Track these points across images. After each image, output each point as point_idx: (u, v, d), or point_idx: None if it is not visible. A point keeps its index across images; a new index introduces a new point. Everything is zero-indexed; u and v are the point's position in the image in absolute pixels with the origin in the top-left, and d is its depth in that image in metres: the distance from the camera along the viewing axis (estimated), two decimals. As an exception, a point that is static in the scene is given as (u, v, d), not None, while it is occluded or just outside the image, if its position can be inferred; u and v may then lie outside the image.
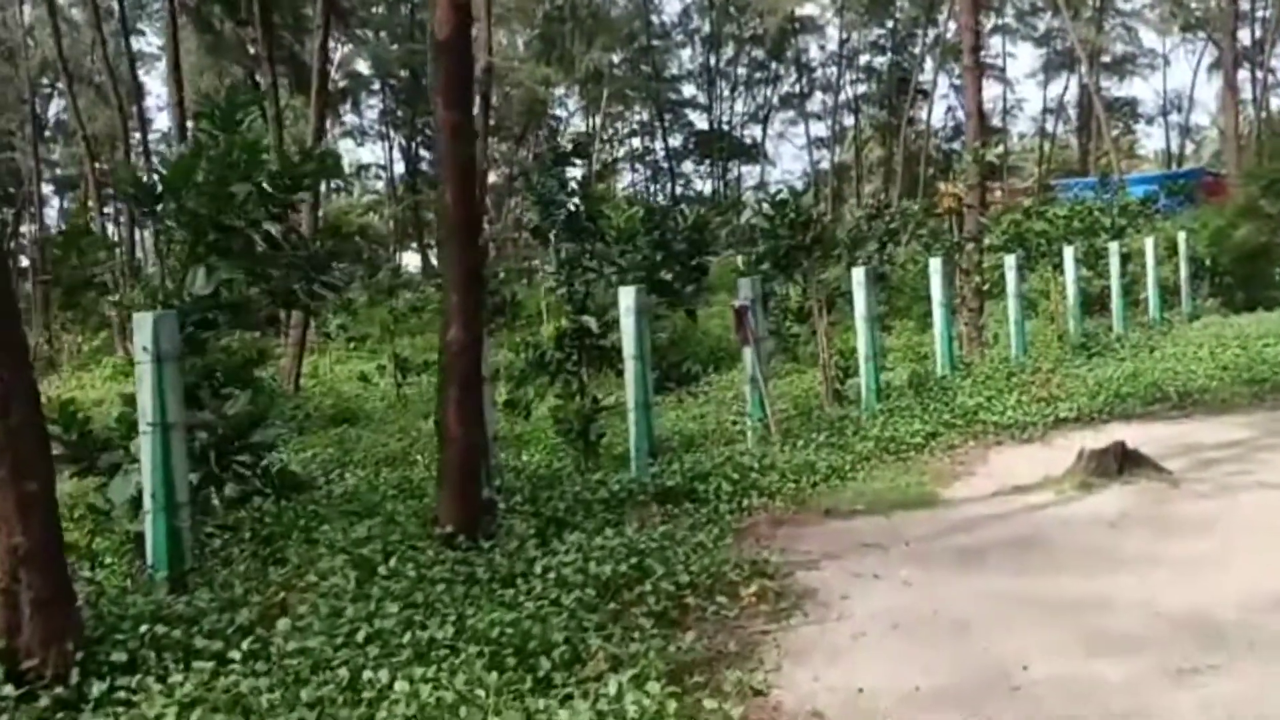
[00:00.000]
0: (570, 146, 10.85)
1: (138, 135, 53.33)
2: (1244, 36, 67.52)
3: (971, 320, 18.23)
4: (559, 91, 75.66)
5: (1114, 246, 21.18)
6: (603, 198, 10.64)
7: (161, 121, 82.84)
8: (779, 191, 14.29)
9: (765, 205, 14.57)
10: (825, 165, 79.94)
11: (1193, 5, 71.68)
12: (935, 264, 15.08)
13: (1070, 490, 9.39)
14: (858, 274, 13.20)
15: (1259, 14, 61.80)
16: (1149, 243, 22.87)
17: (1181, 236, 25.18)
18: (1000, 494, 9.66)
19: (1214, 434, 11.71)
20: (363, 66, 78.62)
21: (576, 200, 10.56)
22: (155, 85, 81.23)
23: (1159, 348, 18.11)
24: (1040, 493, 9.48)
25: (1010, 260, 16.77)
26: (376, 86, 78.47)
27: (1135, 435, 11.74)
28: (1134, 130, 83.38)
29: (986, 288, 18.49)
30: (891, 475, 10.45)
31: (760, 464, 9.85)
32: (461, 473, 7.09)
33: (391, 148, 78.49)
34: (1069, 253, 18.93)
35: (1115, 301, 20.76)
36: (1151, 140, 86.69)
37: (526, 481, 8.85)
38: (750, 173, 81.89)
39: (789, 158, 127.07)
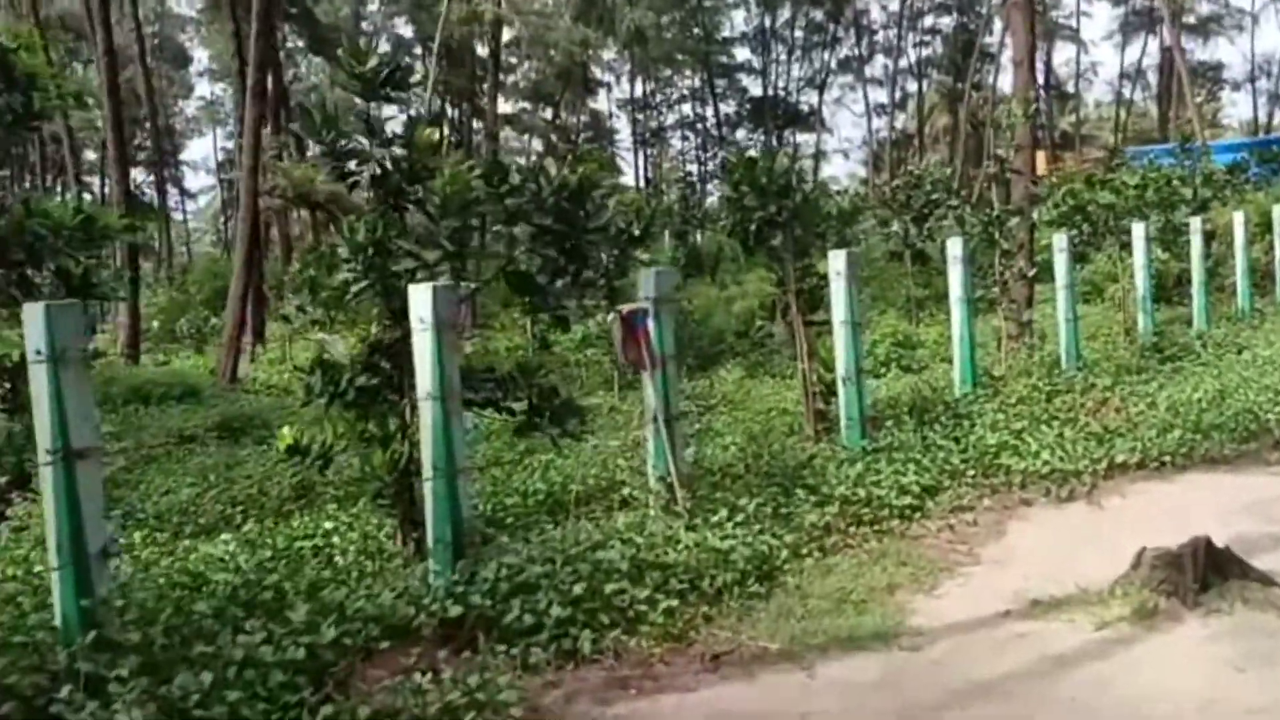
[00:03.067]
0: (381, 69, 7.18)
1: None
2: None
3: (1013, 314, 14.50)
4: (608, 55, 72.31)
5: (1195, 223, 17.24)
6: (433, 147, 7.08)
7: (203, 88, 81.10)
8: (745, 150, 10.76)
9: (730, 167, 11.03)
10: (886, 133, 75.77)
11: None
12: (954, 246, 11.38)
13: (1120, 622, 5.79)
14: (836, 259, 9.57)
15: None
16: (1238, 218, 18.84)
17: (1277, 210, 21.06)
18: (1006, 618, 6.11)
19: (1344, 500, 8.03)
20: (405, 30, 75.89)
21: (392, 152, 7.03)
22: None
23: (1249, 347, 14.26)
24: (1071, 623, 5.90)
25: (1060, 240, 13.03)
26: (418, 51, 75.71)
27: (1221, 497, 8.20)
28: (1218, 98, 77.98)
29: (1035, 273, 14.75)
30: (849, 570, 6.91)
31: (634, 558, 6.34)
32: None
33: (439, 117, 75.40)
34: (1139, 230, 15.08)
35: (1196, 290, 16.85)
36: (1237, 109, 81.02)
37: (193, 613, 5.33)
38: (807, 141, 77.78)
39: (848, 125, 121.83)
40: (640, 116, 77.49)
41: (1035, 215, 15.28)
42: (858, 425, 9.38)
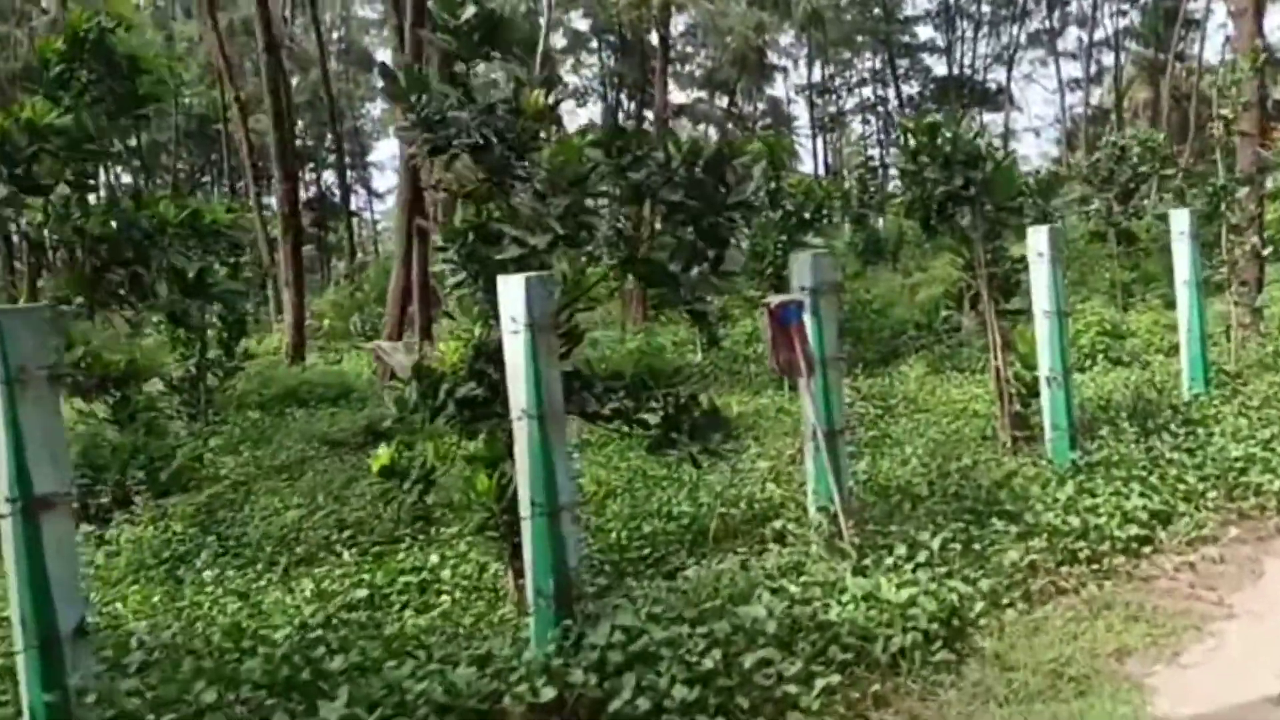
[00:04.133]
0: (479, 21, 5.99)
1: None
2: None
3: (1244, 299, 12.56)
4: (785, 40, 70.57)
5: None
6: (540, 114, 5.91)
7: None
8: (923, 113, 9.38)
9: (907, 134, 9.54)
10: (1080, 110, 71.87)
11: None
12: (1179, 219, 9.60)
13: None
14: (1037, 237, 8.00)
15: None
16: None
17: None
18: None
19: None
20: (581, 24, 75.59)
21: (496, 119, 5.89)
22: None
23: None
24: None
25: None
26: (594, 44, 75.26)
27: None
28: None
29: (1269, 251, 12.74)
30: (1063, 627, 5.44)
31: (785, 615, 5.01)
32: None
33: (613, 109, 75.02)
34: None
35: None
36: None
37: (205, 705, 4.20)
38: (995, 120, 74.33)
39: (1039, 102, 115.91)
40: (819, 101, 75.48)
41: (1268, 184, 13.21)
42: (1066, 434, 7.81)
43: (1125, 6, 71.46)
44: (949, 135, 9.15)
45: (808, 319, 6.11)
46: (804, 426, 6.30)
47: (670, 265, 6.11)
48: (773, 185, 15.35)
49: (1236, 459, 7.63)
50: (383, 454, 6.25)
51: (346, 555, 6.96)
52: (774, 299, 6.06)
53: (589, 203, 6.07)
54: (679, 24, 67.40)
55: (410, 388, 6.10)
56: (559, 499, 4.90)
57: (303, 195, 73.05)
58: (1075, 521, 6.54)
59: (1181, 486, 7.23)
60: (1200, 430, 8.25)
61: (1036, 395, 9.00)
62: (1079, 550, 6.31)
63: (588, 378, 6.34)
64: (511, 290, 4.90)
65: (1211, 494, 7.20)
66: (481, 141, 6.05)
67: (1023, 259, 9.48)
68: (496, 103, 6.13)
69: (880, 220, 35.54)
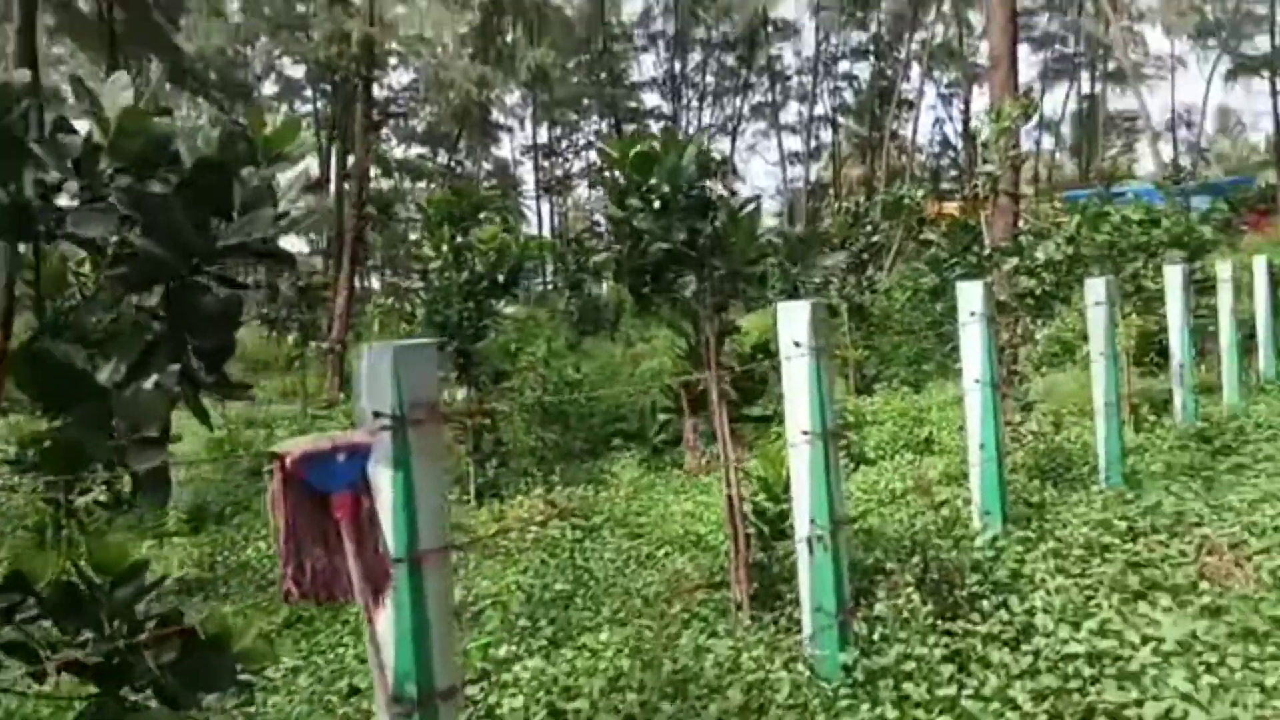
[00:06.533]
0: None
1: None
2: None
3: (1017, 390, 10.45)
4: (511, 100, 68.43)
5: (1225, 268, 13.38)
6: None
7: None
8: (630, 139, 6.71)
9: (607, 161, 6.75)
10: (800, 184, 72.89)
11: (1205, 6, 64.66)
12: (970, 295, 7.02)
13: None
14: (792, 319, 5.18)
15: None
16: (1259, 263, 15.01)
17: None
18: None
19: None
20: (295, 71, 70.95)
21: None
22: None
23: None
24: None
25: (1097, 288, 8.87)
26: (308, 93, 70.74)
27: None
28: (1134, 149, 76.25)
29: (1039, 341, 10.70)
30: None
31: None
32: None
33: (327, 156, 70.58)
34: (1174, 275, 11.11)
35: (1227, 354, 13.00)
36: (1144, 161, 79.20)
37: None
38: (717, 190, 74.27)
39: (761, 174, 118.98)
40: (545, 164, 73.61)
41: (1039, 254, 11.15)
42: (835, 625, 5.02)
43: (843, 83, 73.20)
44: (668, 169, 6.43)
45: (384, 476, 3.06)
46: (378, 690, 3.20)
47: (100, 368, 2.97)
48: (457, 240, 12.39)
49: (1075, 658, 5.05)
50: None
51: None
52: (295, 445, 2.95)
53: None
54: (402, 77, 64.19)
55: None
56: None
57: None
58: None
59: (1011, 715, 4.59)
60: (1015, 600, 5.67)
61: (781, 536, 6.40)
62: None
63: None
64: None
65: (1058, 729, 4.58)
66: None
67: (758, 347, 6.88)
68: None
69: (603, 286, 33.30)
